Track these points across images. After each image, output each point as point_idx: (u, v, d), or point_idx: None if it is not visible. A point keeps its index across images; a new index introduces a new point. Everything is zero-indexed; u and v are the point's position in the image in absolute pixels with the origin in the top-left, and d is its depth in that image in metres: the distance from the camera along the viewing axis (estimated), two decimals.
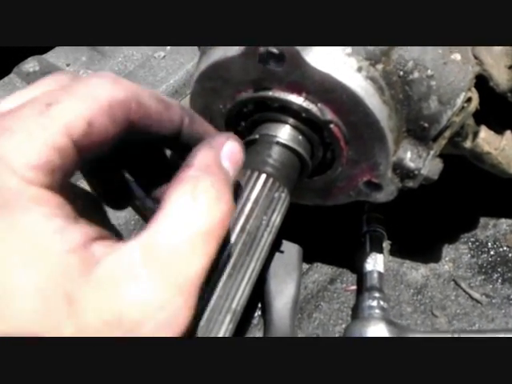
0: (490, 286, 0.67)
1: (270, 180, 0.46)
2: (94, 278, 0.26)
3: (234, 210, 0.33)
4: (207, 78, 0.51)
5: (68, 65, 1.03)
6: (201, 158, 0.32)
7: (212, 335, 0.35)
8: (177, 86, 0.92)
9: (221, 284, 0.38)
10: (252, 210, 0.42)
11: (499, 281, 0.67)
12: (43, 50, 1.03)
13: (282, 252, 0.70)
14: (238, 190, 0.43)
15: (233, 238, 0.40)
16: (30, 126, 0.26)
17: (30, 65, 1.02)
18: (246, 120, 0.53)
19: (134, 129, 0.31)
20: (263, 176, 0.46)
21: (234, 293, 0.38)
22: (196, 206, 0.29)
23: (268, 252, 0.43)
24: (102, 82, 0.30)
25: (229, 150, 0.34)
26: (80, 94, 0.29)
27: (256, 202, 0.43)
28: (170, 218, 0.28)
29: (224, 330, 0.36)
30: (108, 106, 0.29)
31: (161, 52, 0.97)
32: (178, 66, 0.95)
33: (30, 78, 1.00)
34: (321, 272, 0.72)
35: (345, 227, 0.72)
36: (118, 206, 0.41)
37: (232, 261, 0.39)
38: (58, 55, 1.04)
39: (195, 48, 0.65)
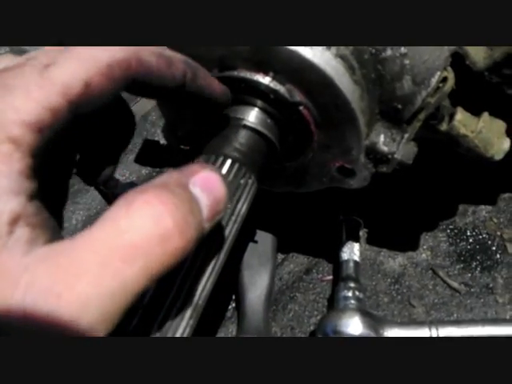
0: (469, 275, 0.65)
1: (236, 165, 0.43)
2: None
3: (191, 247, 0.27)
4: None
5: None
6: (163, 177, 0.29)
7: (171, 331, 0.33)
8: None
9: (180, 277, 0.35)
10: None
11: (478, 269, 0.66)
12: None
13: (255, 242, 0.67)
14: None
15: None
16: (28, 86, 0.27)
17: None
18: None
19: (134, 85, 0.31)
20: (228, 161, 0.43)
21: (196, 286, 0.36)
22: (125, 223, 0.25)
23: (233, 242, 0.41)
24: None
25: (203, 177, 0.30)
26: (78, 54, 0.29)
27: None
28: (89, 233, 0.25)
29: (184, 325, 0.34)
30: (107, 66, 0.29)
31: None
32: None
33: None
34: (296, 262, 0.70)
35: (321, 216, 0.70)
36: (86, 179, 0.39)
37: (193, 252, 0.37)
38: None
39: None
